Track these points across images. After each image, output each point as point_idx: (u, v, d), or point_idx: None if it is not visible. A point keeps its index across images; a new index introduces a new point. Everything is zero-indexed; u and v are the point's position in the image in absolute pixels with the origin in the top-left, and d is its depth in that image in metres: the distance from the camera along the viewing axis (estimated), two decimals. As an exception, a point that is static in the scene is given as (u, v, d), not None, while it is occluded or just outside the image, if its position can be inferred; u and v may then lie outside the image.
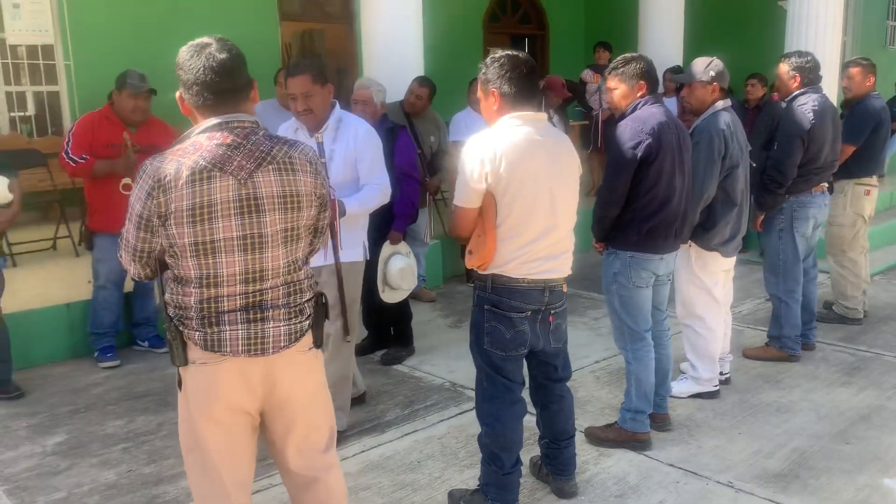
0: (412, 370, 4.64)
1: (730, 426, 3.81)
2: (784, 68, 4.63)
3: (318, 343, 2.27)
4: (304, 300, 2.19)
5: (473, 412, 3.06)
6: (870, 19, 12.28)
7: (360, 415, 3.95)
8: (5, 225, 4.21)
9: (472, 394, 3.06)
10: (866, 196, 5.22)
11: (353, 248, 3.58)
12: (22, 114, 8.41)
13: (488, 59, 2.80)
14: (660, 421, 3.71)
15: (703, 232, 3.88)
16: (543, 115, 2.82)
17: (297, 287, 2.18)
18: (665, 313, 3.69)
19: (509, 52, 2.78)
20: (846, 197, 5.21)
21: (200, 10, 8.86)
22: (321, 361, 2.33)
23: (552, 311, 2.86)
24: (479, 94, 2.83)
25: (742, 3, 11.36)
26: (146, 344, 5.04)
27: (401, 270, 4.49)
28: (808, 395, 4.17)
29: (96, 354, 4.78)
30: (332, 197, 3.22)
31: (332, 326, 3.52)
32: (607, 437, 3.58)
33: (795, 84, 4.57)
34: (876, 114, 5.07)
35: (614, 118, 9.44)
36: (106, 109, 4.73)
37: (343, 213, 3.37)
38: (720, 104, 3.85)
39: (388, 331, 4.94)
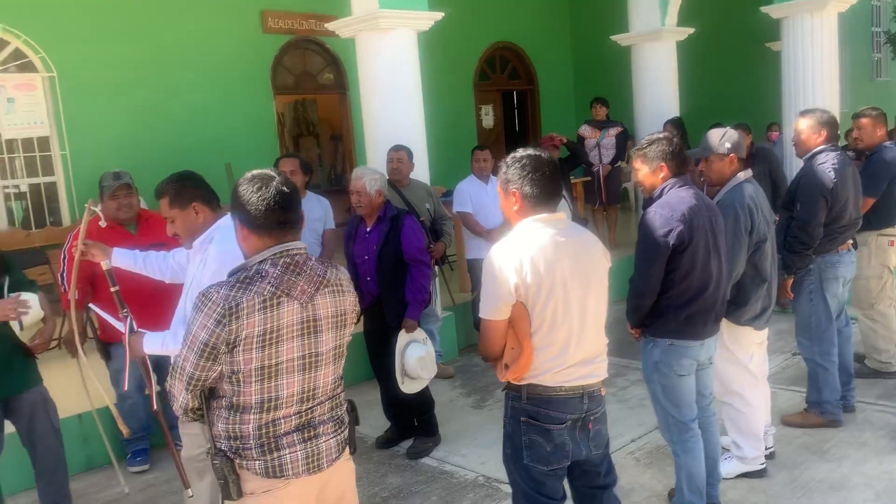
0: (441, 463, 4.45)
1: (784, 510, 3.64)
2: (808, 123, 4.47)
3: (353, 448, 2.39)
4: (343, 411, 2.35)
5: (512, 510, 2.88)
6: (857, 54, 12.44)
7: (394, 522, 3.76)
8: (45, 345, 3.80)
9: (509, 489, 2.89)
10: (890, 247, 5.11)
11: None
12: (19, 206, 8.31)
13: (509, 159, 2.69)
14: (711, 511, 3.53)
15: (735, 308, 3.73)
16: (563, 215, 2.69)
17: (338, 400, 2.33)
18: (710, 398, 3.53)
19: (531, 153, 2.67)
20: (870, 249, 5.09)
21: (197, 90, 8.86)
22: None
23: (591, 418, 2.69)
24: (499, 191, 2.72)
25: (729, 47, 11.48)
26: None
27: (420, 360, 4.37)
28: (860, 468, 3.99)
29: (128, 458, 4.72)
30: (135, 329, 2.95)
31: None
32: (660, 536, 3.40)
33: (821, 139, 4.43)
34: (892, 164, 4.99)
35: (614, 172, 9.43)
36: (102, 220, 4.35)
37: (139, 351, 2.94)
38: (741, 175, 3.75)
39: (411, 421, 4.76)
